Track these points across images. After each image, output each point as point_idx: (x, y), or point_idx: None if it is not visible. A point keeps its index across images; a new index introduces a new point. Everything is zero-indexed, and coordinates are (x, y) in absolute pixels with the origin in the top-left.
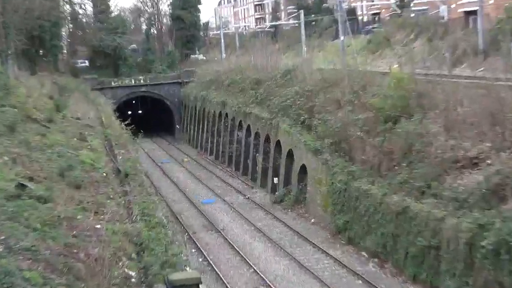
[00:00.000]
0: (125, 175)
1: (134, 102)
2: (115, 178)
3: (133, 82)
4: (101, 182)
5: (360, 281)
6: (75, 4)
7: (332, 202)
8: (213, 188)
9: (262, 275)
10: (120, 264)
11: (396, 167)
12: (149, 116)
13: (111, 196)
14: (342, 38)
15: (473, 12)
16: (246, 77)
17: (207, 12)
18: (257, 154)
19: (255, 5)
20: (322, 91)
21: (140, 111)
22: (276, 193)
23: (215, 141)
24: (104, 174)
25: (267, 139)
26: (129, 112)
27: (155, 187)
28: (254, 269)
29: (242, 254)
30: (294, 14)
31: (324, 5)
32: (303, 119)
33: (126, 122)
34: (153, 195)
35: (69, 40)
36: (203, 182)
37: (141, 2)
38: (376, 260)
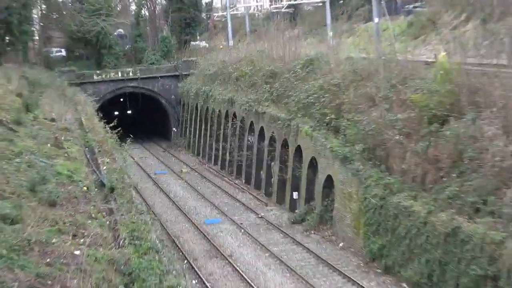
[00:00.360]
0: (110, 189)
1: (121, 100)
2: (98, 193)
3: (120, 75)
4: (80, 198)
5: None
6: None
7: (365, 222)
8: (218, 205)
9: None
10: None
11: (443, 179)
12: (140, 117)
13: (93, 215)
14: (376, 20)
15: None
16: (259, 68)
17: None
18: (272, 163)
19: None
20: (352, 86)
21: (128, 111)
22: (296, 211)
23: (220, 147)
24: (85, 188)
25: (285, 145)
26: (116, 113)
27: (147, 204)
28: None
29: (254, 287)
30: None
31: None
32: (329, 120)
33: (111, 125)
34: (145, 214)
35: (41, 24)
36: (206, 197)
37: None
38: None
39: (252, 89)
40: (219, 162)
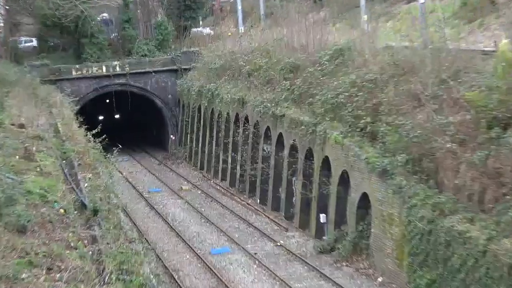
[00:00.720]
0: (93, 212)
1: (107, 101)
2: (78, 216)
3: (104, 70)
4: (56, 222)
5: None
6: None
7: (409, 251)
8: (227, 231)
9: None
10: None
11: (507, 197)
12: (130, 122)
13: (72, 244)
14: (421, 0)
15: None
16: (276, 61)
17: None
18: (294, 179)
19: None
20: (392, 81)
21: (116, 115)
22: (324, 237)
23: (229, 159)
24: (62, 210)
25: (309, 155)
26: (100, 117)
27: (139, 229)
28: None
29: None
30: None
31: None
32: (364, 124)
33: (94, 131)
34: (136, 242)
35: (7, 8)
36: (212, 221)
37: None
38: None
39: (268, 86)
40: (228, 177)
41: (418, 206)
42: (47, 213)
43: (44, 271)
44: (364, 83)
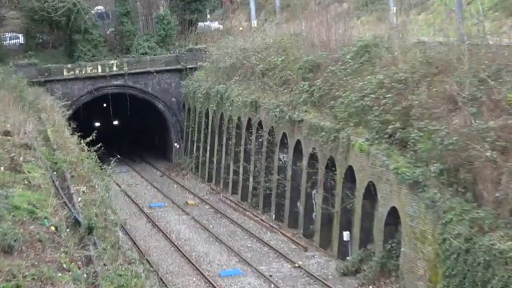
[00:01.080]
0: (88, 229)
1: (103, 105)
2: (71, 235)
3: (99, 70)
4: (47, 241)
5: None
6: None
7: (444, 272)
8: (238, 251)
9: None
10: None
11: None
12: (128, 129)
13: (65, 266)
14: None
15: None
16: (294, 59)
17: None
18: (314, 192)
19: None
20: (424, 82)
21: (114, 121)
22: (348, 257)
23: (241, 169)
24: (52, 228)
25: (331, 165)
26: (96, 124)
27: (139, 249)
28: None
29: None
30: None
31: None
32: (393, 130)
33: (89, 139)
34: (136, 263)
35: None
36: (221, 239)
37: None
38: None
39: (284, 87)
40: (239, 191)
41: (454, 222)
42: (36, 231)
43: None
44: (393, 83)
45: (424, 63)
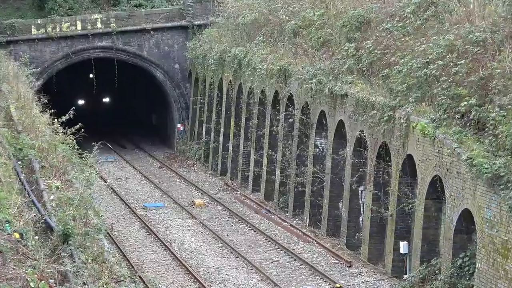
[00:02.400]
0: (63, 237)
1: (84, 73)
2: (41, 244)
3: (79, 27)
4: (9, 252)
5: None
6: None
7: None
8: (260, 266)
9: None
10: None
11: None
12: (118, 107)
13: (32, 286)
14: None
15: None
16: (336, 13)
17: None
18: (361, 189)
19: None
20: (509, 44)
21: (105, 99)
22: (405, 276)
23: (264, 159)
24: (16, 235)
25: (384, 154)
26: (80, 102)
27: (130, 263)
28: None
29: None
30: None
31: None
32: (466, 108)
33: (64, 119)
34: (126, 282)
35: None
36: (238, 251)
37: None
38: None
39: (323, 51)
40: (262, 187)
41: None
42: None
43: None
44: (467, 46)
45: (509, 19)
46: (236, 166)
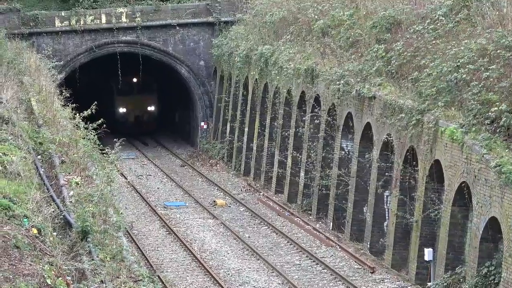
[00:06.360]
0: (81, 234)
1: (108, 68)
2: (60, 240)
3: (104, 21)
4: (26, 248)
5: None
6: None
7: None
8: (282, 270)
9: None
10: None
11: None
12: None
13: (49, 282)
14: None
15: None
16: (366, 13)
17: None
18: (387, 193)
19: None
20: None
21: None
22: (429, 283)
23: (289, 160)
24: (34, 230)
25: (411, 158)
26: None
27: (149, 262)
28: None
29: None
30: None
31: None
32: (496, 114)
33: (86, 113)
34: (145, 281)
35: None
36: (259, 253)
37: None
38: None
39: (351, 52)
40: (286, 189)
41: None
42: (12, 234)
43: None
44: (499, 50)
45: None
46: (259, 167)
